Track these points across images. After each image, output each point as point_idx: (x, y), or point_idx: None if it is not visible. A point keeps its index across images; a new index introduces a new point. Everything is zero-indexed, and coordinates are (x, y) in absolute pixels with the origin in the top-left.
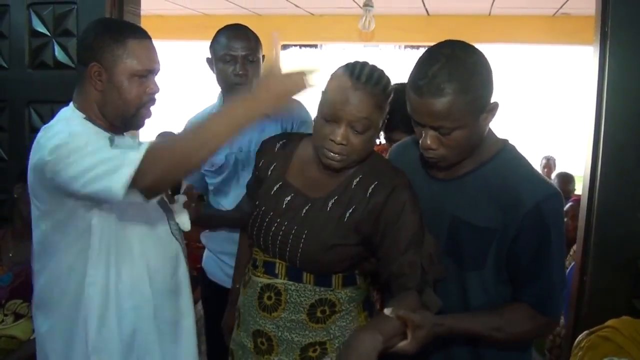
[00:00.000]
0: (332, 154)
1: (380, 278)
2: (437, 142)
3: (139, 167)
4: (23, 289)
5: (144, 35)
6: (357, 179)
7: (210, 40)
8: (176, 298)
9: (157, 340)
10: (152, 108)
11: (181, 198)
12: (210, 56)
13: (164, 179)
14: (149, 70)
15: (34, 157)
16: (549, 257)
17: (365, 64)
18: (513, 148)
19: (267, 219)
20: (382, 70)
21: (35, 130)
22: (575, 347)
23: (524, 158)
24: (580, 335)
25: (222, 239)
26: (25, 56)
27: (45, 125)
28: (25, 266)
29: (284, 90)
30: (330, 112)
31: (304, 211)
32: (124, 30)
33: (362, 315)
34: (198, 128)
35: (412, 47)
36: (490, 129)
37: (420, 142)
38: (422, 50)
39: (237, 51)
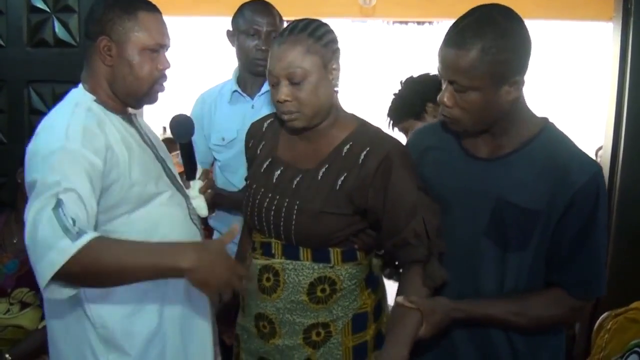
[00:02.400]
0: (285, 115)
1: (383, 248)
2: (452, 100)
3: (65, 263)
4: (29, 277)
5: (154, 9)
6: (347, 146)
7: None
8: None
9: (179, 324)
10: (164, 84)
11: (197, 183)
12: (231, 29)
13: (82, 282)
14: (160, 45)
15: (31, 148)
16: (594, 236)
17: (292, 22)
18: (554, 126)
19: (258, 196)
20: (310, 20)
21: (35, 112)
22: (598, 328)
23: (566, 135)
24: (602, 316)
25: (231, 221)
26: (24, 34)
27: (50, 112)
28: None
29: (213, 278)
30: (269, 76)
31: (295, 183)
32: (134, 2)
33: (365, 293)
34: (126, 252)
35: (401, 22)
36: (528, 108)
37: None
38: (411, 26)
39: (261, 26)
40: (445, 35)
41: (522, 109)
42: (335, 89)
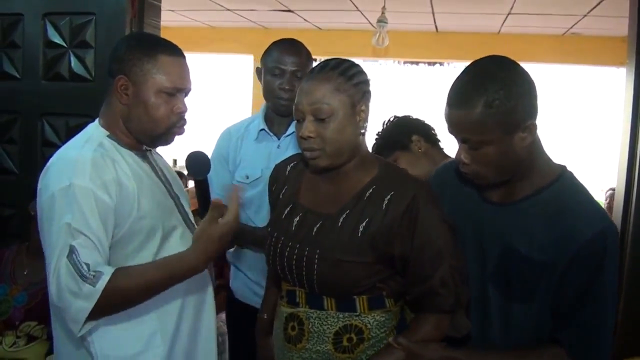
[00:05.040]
0: (307, 152)
1: (408, 297)
2: (469, 157)
3: (95, 305)
4: (39, 310)
5: (176, 53)
6: (370, 190)
7: (211, 54)
8: (199, 315)
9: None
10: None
11: None
12: (260, 66)
13: (112, 313)
14: (178, 89)
15: (41, 184)
16: (599, 295)
17: (324, 60)
18: (571, 175)
19: (279, 245)
20: (343, 60)
21: (48, 144)
22: None
23: (583, 186)
24: None
25: (249, 256)
26: (39, 67)
27: (63, 146)
28: (42, 286)
29: (216, 251)
30: (295, 111)
31: (315, 230)
32: (156, 45)
33: None
34: (142, 277)
35: (412, 62)
36: (546, 155)
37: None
38: (421, 67)
39: (286, 65)
40: (448, 97)
41: (539, 156)
42: (362, 130)
